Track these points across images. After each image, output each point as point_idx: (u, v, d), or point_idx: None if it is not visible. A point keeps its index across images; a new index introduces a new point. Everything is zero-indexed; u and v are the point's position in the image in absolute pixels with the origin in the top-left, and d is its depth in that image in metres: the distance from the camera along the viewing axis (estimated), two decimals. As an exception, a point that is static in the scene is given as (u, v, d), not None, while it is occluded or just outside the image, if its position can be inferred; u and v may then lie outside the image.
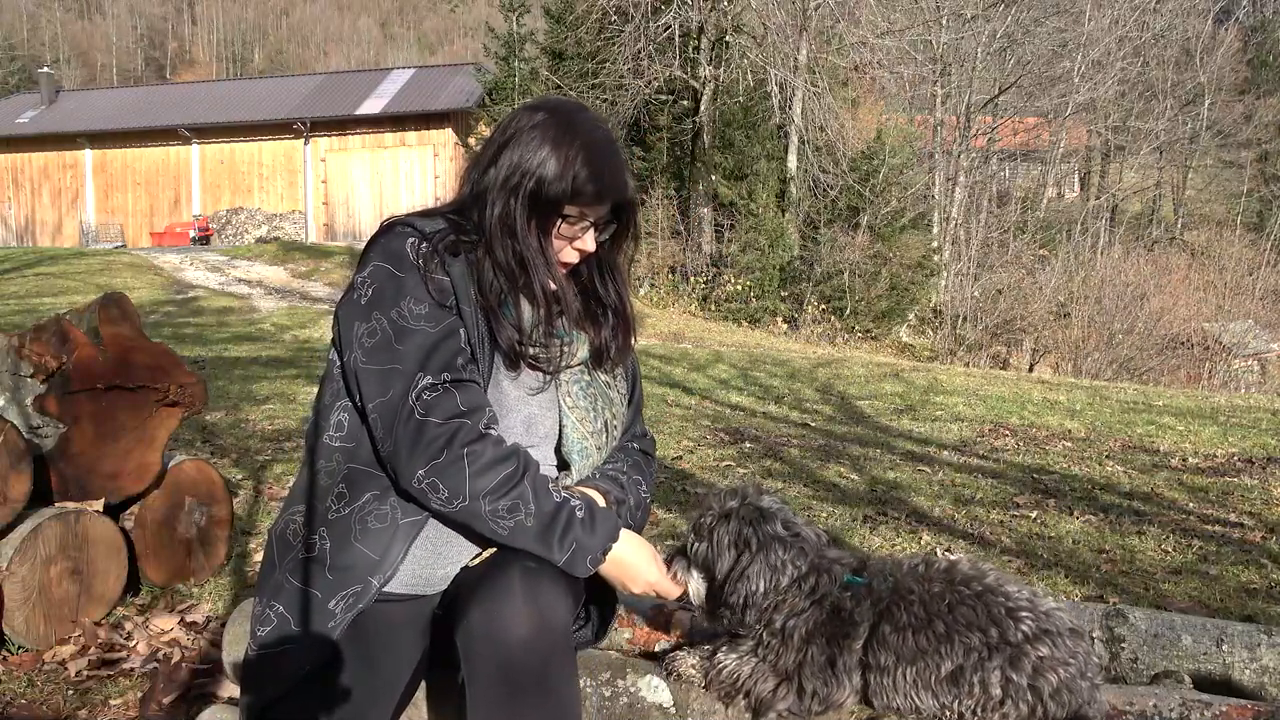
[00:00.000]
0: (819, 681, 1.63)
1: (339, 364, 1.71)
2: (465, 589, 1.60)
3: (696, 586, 1.73)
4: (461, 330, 1.66)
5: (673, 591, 1.74)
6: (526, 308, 1.74)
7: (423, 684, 1.79)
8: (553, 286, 1.73)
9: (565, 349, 1.77)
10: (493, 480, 1.57)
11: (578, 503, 1.66)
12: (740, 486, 1.77)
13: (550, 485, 1.65)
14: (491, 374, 1.71)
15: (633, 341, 1.91)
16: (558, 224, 1.73)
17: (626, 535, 1.71)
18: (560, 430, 1.79)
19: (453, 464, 1.56)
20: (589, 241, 1.77)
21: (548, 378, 1.78)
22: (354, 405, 1.68)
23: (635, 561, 1.70)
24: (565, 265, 1.79)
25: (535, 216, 1.71)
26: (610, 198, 1.75)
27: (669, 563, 1.76)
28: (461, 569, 1.69)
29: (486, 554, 1.67)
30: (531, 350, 1.73)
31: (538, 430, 1.77)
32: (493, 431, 1.62)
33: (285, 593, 1.65)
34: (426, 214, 1.77)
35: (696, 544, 1.73)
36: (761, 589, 1.66)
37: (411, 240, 1.68)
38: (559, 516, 1.61)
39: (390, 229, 1.72)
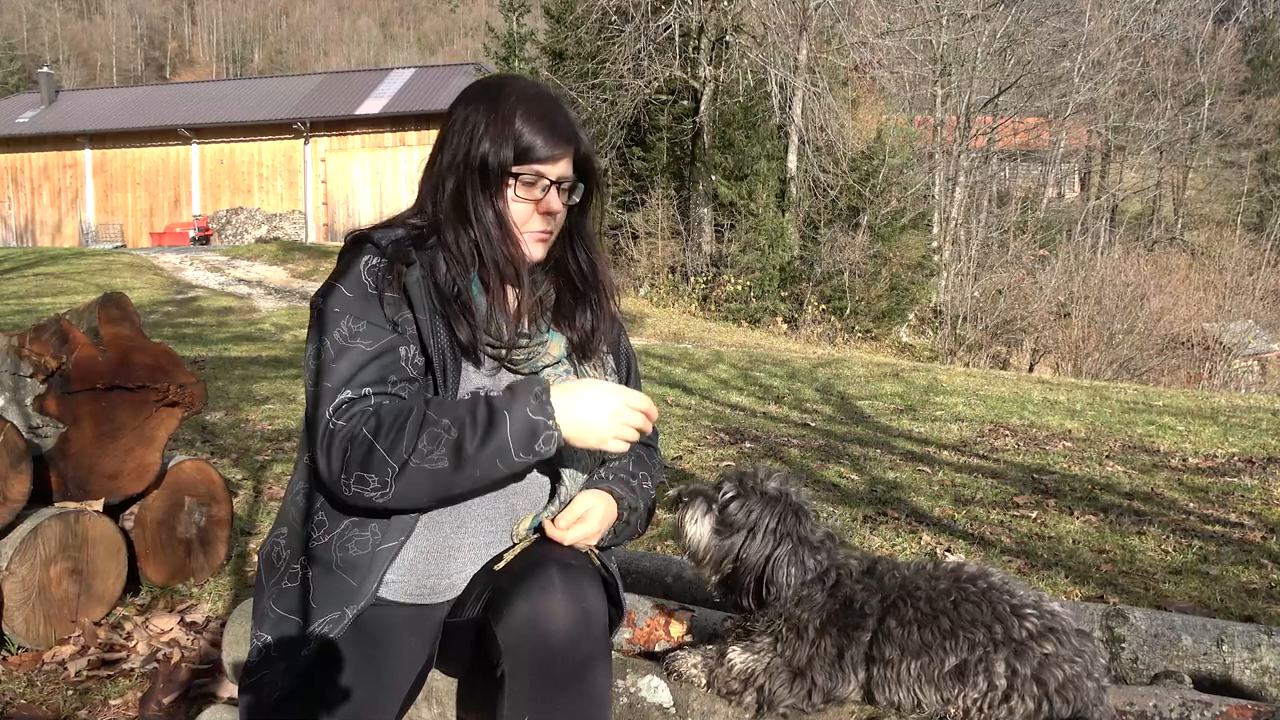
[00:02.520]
0: (826, 675, 1.63)
1: None
2: (505, 586, 1.59)
3: (700, 531, 1.68)
4: (404, 348, 1.62)
5: (644, 426, 1.63)
6: (483, 300, 1.70)
7: (451, 685, 1.80)
8: (525, 254, 1.71)
9: (539, 348, 1.75)
10: (400, 434, 1.52)
11: (484, 386, 1.63)
12: (780, 471, 1.74)
13: (452, 400, 1.60)
14: (460, 382, 1.68)
15: (613, 310, 1.85)
16: (512, 186, 1.69)
17: (558, 383, 1.66)
18: None
19: (359, 449, 1.52)
20: (554, 201, 1.71)
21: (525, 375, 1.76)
22: None
23: (583, 395, 1.60)
24: (540, 236, 1.74)
25: (487, 188, 1.69)
26: (561, 148, 1.70)
27: (685, 502, 1.71)
28: (486, 569, 1.69)
29: (509, 556, 1.67)
30: (492, 344, 1.69)
31: None
32: (385, 403, 1.57)
33: (269, 621, 1.66)
34: (388, 224, 1.76)
35: (731, 494, 1.68)
36: (790, 587, 1.64)
37: (366, 258, 1.67)
38: (476, 409, 1.55)
39: (352, 245, 1.72)
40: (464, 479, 1.55)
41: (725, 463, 5.73)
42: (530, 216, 1.72)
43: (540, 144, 1.68)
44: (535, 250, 1.75)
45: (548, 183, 1.71)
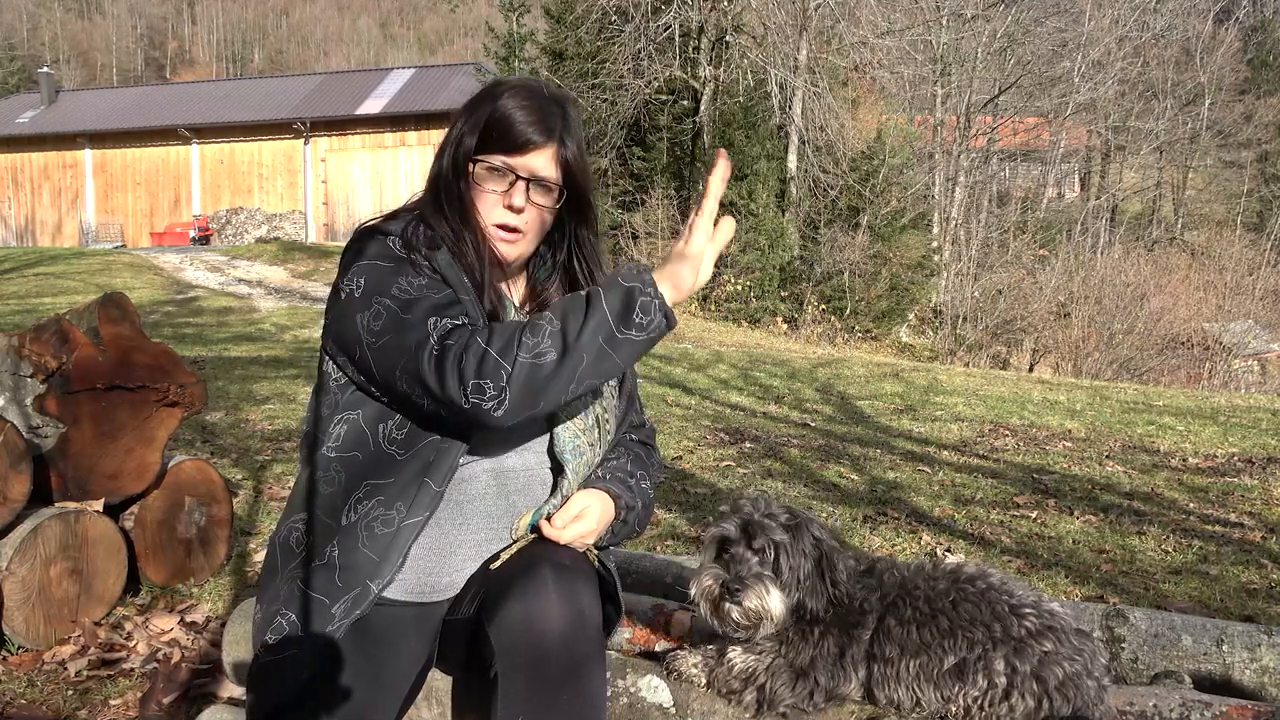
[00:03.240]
0: (828, 675, 1.63)
1: (334, 375, 1.70)
2: (498, 586, 1.58)
3: (774, 602, 1.62)
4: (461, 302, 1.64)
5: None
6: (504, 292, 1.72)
7: (450, 684, 1.80)
8: (492, 247, 1.70)
9: None
10: (511, 339, 1.50)
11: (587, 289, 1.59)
12: (761, 497, 1.72)
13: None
14: None
15: None
16: (471, 170, 1.68)
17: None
18: (551, 431, 1.76)
19: (474, 357, 1.49)
20: (517, 196, 1.68)
21: None
22: (373, 398, 1.66)
23: (677, 266, 1.55)
24: (504, 235, 1.71)
25: (455, 171, 1.69)
26: (533, 139, 1.66)
27: (737, 590, 1.61)
28: (483, 567, 1.69)
29: (506, 555, 1.67)
30: None
31: (525, 433, 1.73)
32: (482, 322, 1.59)
33: (295, 600, 1.65)
34: (392, 216, 1.77)
35: (776, 558, 1.62)
36: (847, 571, 1.66)
37: (390, 239, 1.68)
38: (577, 296, 1.54)
39: (364, 236, 1.71)
40: (571, 366, 1.49)
41: (725, 463, 5.73)
42: (494, 209, 1.70)
43: (511, 133, 1.65)
44: (500, 248, 1.72)
45: (515, 177, 1.68)
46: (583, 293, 1.55)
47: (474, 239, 1.69)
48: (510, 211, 1.69)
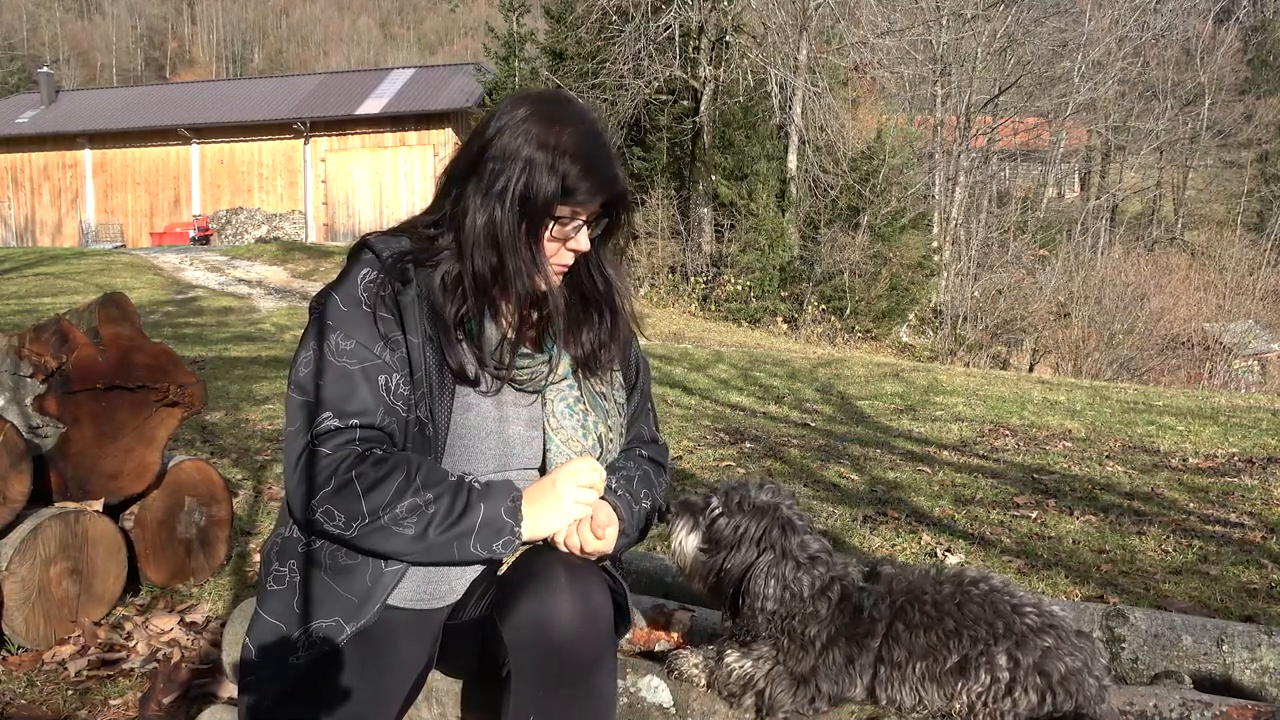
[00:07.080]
0: (831, 682, 1.63)
1: None
2: (511, 585, 1.59)
3: (686, 547, 1.70)
4: (387, 376, 1.59)
5: (590, 543, 1.62)
6: (490, 326, 1.68)
7: (449, 685, 1.80)
8: (542, 287, 1.66)
9: (541, 367, 1.72)
10: (386, 491, 1.52)
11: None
12: (773, 484, 1.74)
13: (440, 471, 1.60)
14: (454, 400, 1.66)
15: (623, 336, 1.81)
16: (550, 226, 1.64)
17: (528, 487, 1.68)
18: (544, 454, 1.74)
19: (341, 489, 1.52)
20: (583, 240, 1.68)
21: (533, 396, 1.74)
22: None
23: (546, 503, 1.61)
24: (560, 268, 1.70)
25: (525, 222, 1.62)
26: (603, 192, 1.65)
27: (674, 514, 1.72)
28: (487, 571, 1.69)
29: (511, 559, 1.67)
30: (495, 369, 1.67)
31: (523, 455, 1.72)
32: (376, 451, 1.57)
33: (258, 625, 1.65)
34: (397, 231, 1.73)
35: (719, 512, 1.68)
36: (771, 599, 1.64)
37: (364, 271, 1.64)
38: (459, 493, 1.56)
39: (356, 252, 1.69)
40: (420, 551, 1.56)
41: (725, 463, 5.73)
42: (557, 251, 1.69)
43: (586, 187, 1.63)
44: (555, 281, 1.71)
45: (580, 222, 1.67)
46: (466, 489, 1.57)
47: (532, 280, 1.66)
48: (573, 253, 1.70)
